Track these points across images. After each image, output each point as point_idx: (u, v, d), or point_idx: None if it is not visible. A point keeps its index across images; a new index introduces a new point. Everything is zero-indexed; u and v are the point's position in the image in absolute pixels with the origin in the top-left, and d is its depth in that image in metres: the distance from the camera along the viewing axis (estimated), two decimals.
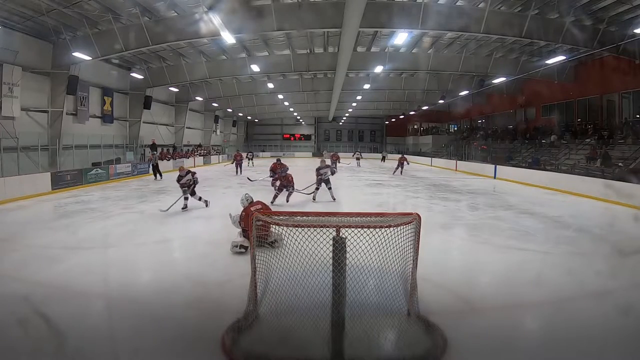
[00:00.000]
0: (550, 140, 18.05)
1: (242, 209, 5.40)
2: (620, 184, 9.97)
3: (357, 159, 26.21)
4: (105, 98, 16.94)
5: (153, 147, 20.22)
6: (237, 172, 17.44)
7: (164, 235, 6.32)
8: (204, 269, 4.52)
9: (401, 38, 12.91)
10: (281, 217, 3.09)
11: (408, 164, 18.95)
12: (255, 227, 3.11)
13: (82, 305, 3.51)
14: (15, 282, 4.06)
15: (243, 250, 4.92)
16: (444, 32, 13.41)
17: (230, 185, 13.10)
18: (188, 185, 8.19)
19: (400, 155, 19.62)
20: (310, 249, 2.80)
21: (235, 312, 3.10)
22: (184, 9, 11.30)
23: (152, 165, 15.67)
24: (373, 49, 16.25)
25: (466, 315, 3.39)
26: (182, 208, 8.04)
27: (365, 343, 2.79)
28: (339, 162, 18.79)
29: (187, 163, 22.41)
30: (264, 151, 39.77)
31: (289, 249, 2.91)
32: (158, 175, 15.25)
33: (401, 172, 17.82)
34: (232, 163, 18.44)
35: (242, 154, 19.88)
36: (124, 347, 2.85)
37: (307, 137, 42.88)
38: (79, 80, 13.56)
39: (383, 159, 31.49)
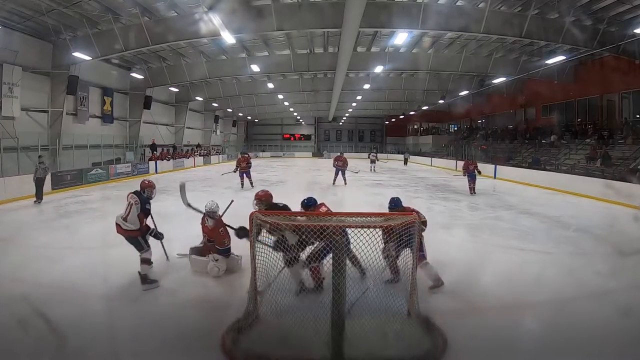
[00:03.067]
0: (550, 140, 18.06)
1: (213, 222, 4.37)
2: (620, 184, 9.97)
3: (372, 161, 21.09)
4: (105, 98, 16.94)
5: (153, 147, 20.23)
6: (242, 184, 12.14)
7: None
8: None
9: (401, 38, 12.91)
10: (281, 217, 3.09)
11: (479, 172, 11.36)
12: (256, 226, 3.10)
13: (82, 305, 3.51)
14: (15, 282, 4.06)
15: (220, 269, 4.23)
16: (444, 32, 13.40)
17: (231, 186, 13.07)
18: None
19: (466, 160, 12.32)
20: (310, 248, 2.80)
21: (235, 312, 3.10)
22: (184, 9, 11.30)
23: (36, 179, 9.34)
24: (373, 49, 16.25)
25: (466, 315, 3.39)
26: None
27: (365, 343, 2.79)
28: (347, 169, 13.43)
29: (187, 163, 22.48)
30: (264, 151, 39.84)
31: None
32: (39, 197, 9.34)
33: (473, 188, 11.18)
34: (235, 171, 12.36)
35: (248, 156, 12.95)
36: (124, 347, 2.85)
37: (307, 137, 42.93)
38: (79, 80, 13.56)
39: (405, 161, 27.06)
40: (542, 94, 19.57)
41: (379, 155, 25.41)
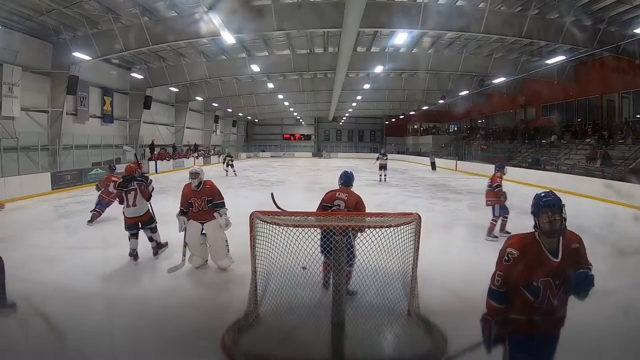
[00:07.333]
0: (550, 140, 18.06)
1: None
2: (620, 184, 9.97)
3: (382, 167, 14.72)
4: (105, 98, 16.93)
5: (152, 147, 20.23)
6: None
7: (164, 235, 6.29)
8: (204, 268, 4.52)
9: (401, 38, 12.91)
10: (281, 217, 3.08)
11: None
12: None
13: (82, 305, 3.51)
14: (15, 282, 4.05)
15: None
16: (444, 32, 13.41)
17: (231, 185, 13.07)
18: None
19: None
20: (310, 248, 2.80)
21: (235, 312, 3.10)
22: (184, 9, 11.30)
23: None
24: (373, 49, 16.25)
25: (466, 315, 3.38)
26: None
27: (366, 343, 2.79)
28: None
29: (187, 163, 22.46)
30: (263, 151, 39.86)
31: (289, 248, 2.91)
32: None
33: None
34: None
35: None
36: (124, 347, 2.85)
37: (307, 137, 42.93)
38: (79, 80, 13.55)
39: (433, 165, 21.42)
40: (542, 94, 19.57)
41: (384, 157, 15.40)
